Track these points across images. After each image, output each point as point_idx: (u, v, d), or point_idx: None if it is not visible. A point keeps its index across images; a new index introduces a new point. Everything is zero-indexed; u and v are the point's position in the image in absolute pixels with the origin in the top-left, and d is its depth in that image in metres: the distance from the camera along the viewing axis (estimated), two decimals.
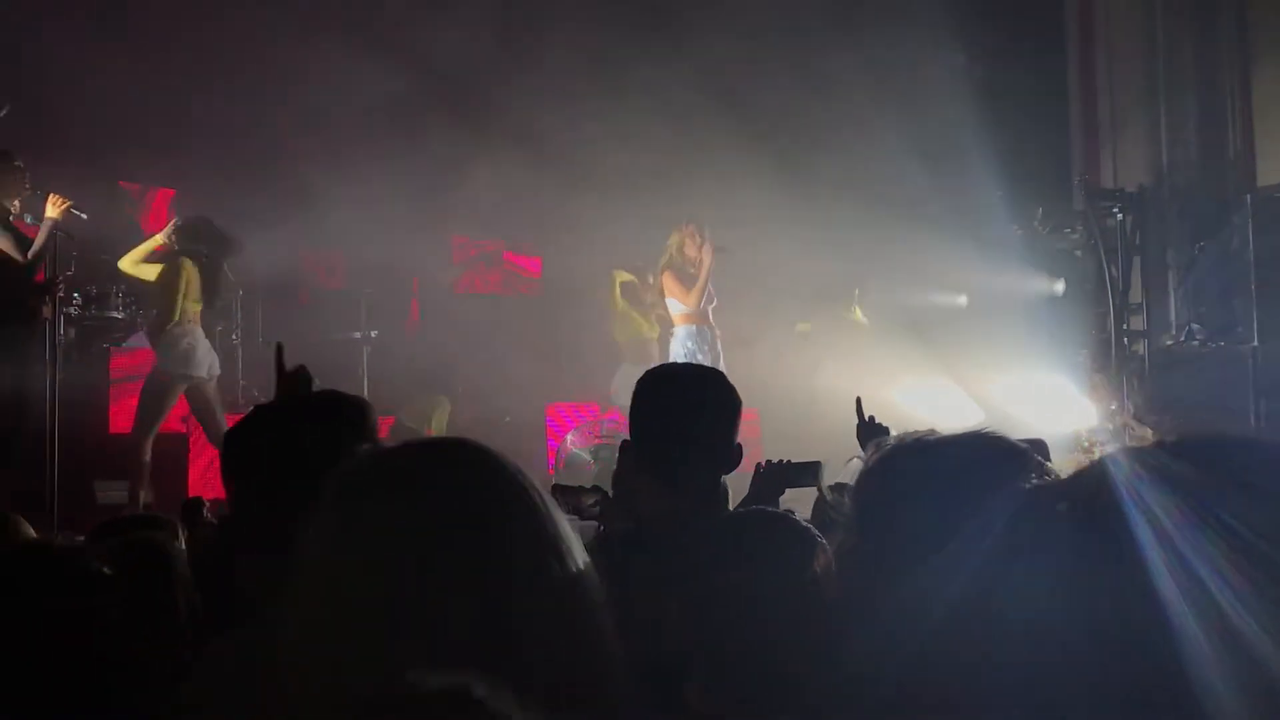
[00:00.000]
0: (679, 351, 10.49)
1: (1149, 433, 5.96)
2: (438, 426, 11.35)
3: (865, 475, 1.78)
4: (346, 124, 11.81)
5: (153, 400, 9.36)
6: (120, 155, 11.93)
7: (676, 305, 10.60)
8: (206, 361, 9.51)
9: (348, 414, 2.56)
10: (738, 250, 10.69)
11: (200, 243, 9.61)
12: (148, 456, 9.30)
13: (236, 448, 2.54)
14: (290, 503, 2.36)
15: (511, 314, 13.27)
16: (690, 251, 10.55)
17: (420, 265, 12.37)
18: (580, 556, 1.59)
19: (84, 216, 9.15)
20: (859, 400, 4.77)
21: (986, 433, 1.79)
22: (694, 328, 10.52)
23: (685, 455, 3.26)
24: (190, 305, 9.45)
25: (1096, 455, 1.62)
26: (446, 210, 12.12)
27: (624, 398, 10.67)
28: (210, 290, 9.60)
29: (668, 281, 10.62)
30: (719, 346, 10.63)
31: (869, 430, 4.70)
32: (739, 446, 3.39)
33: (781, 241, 11.86)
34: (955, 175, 12.21)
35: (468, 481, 1.59)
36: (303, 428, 2.51)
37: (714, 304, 10.64)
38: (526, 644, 1.48)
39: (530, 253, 14.15)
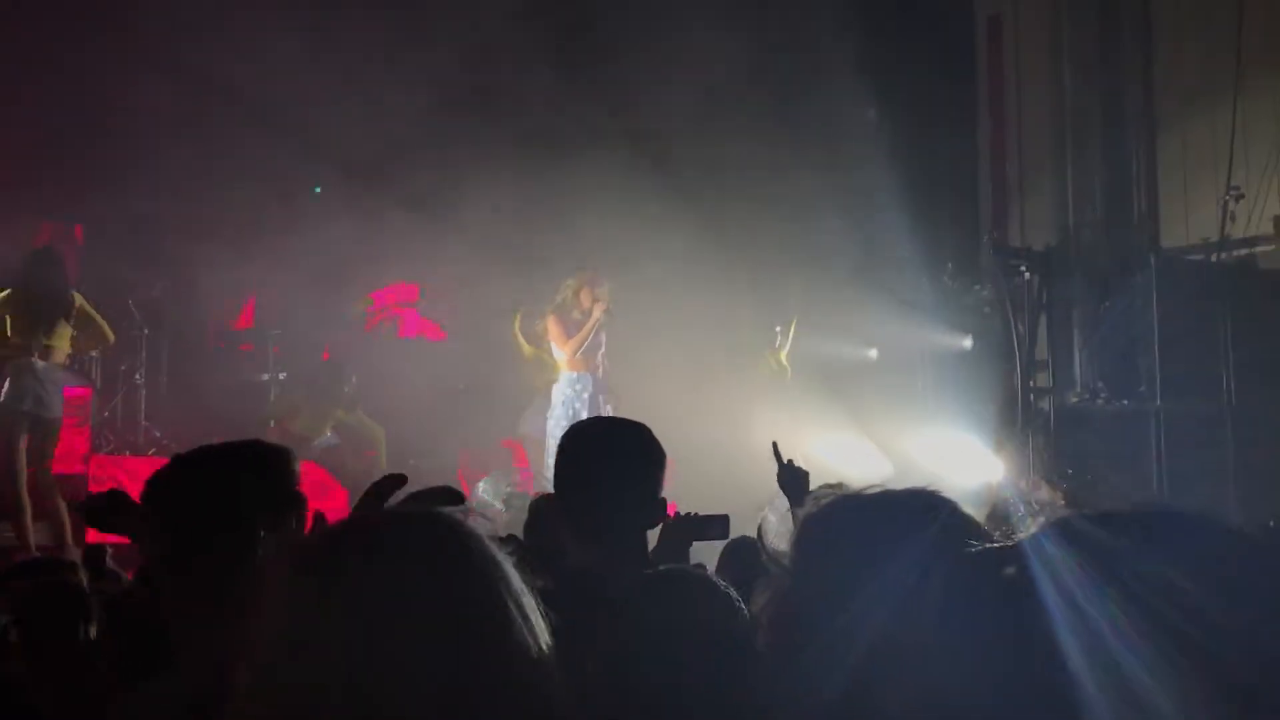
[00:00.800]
0: (558, 398, 10.52)
1: (1058, 495, 6.04)
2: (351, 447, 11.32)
3: (807, 523, 1.77)
4: (249, 178, 11.67)
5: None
6: (33, 188, 11.76)
7: (558, 351, 10.62)
8: (31, 396, 9.16)
9: (272, 463, 2.54)
10: (626, 317, 10.74)
11: (24, 273, 9.32)
12: (24, 497, 9.02)
13: (162, 495, 2.50)
14: (220, 552, 2.34)
15: (422, 357, 13.16)
16: (584, 300, 10.57)
17: (330, 306, 12.24)
18: (543, 632, 1.57)
19: None
20: (775, 445, 4.78)
21: (924, 490, 1.79)
22: (574, 374, 10.53)
23: (609, 510, 3.25)
24: (14, 338, 9.16)
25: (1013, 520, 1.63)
26: (356, 256, 12.02)
27: (527, 427, 10.56)
28: (32, 322, 9.26)
29: (551, 326, 10.62)
30: (600, 395, 10.62)
31: (790, 474, 4.72)
32: (663, 500, 3.38)
33: (696, 286, 11.90)
34: (868, 228, 12.36)
35: (446, 556, 1.56)
36: (231, 476, 2.49)
37: (601, 350, 10.66)
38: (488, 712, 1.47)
39: (438, 297, 14.06)
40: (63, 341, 9.23)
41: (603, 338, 10.64)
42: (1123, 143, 11.86)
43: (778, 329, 12.76)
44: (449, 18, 11.83)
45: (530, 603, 1.59)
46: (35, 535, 9.03)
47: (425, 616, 1.50)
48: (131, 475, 10.08)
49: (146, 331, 11.49)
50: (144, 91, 10.78)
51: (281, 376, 11.99)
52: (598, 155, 11.93)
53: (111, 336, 9.74)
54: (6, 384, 8.96)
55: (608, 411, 10.31)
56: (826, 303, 12.45)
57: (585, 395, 10.49)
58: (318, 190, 12.68)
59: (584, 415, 10.28)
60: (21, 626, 3.29)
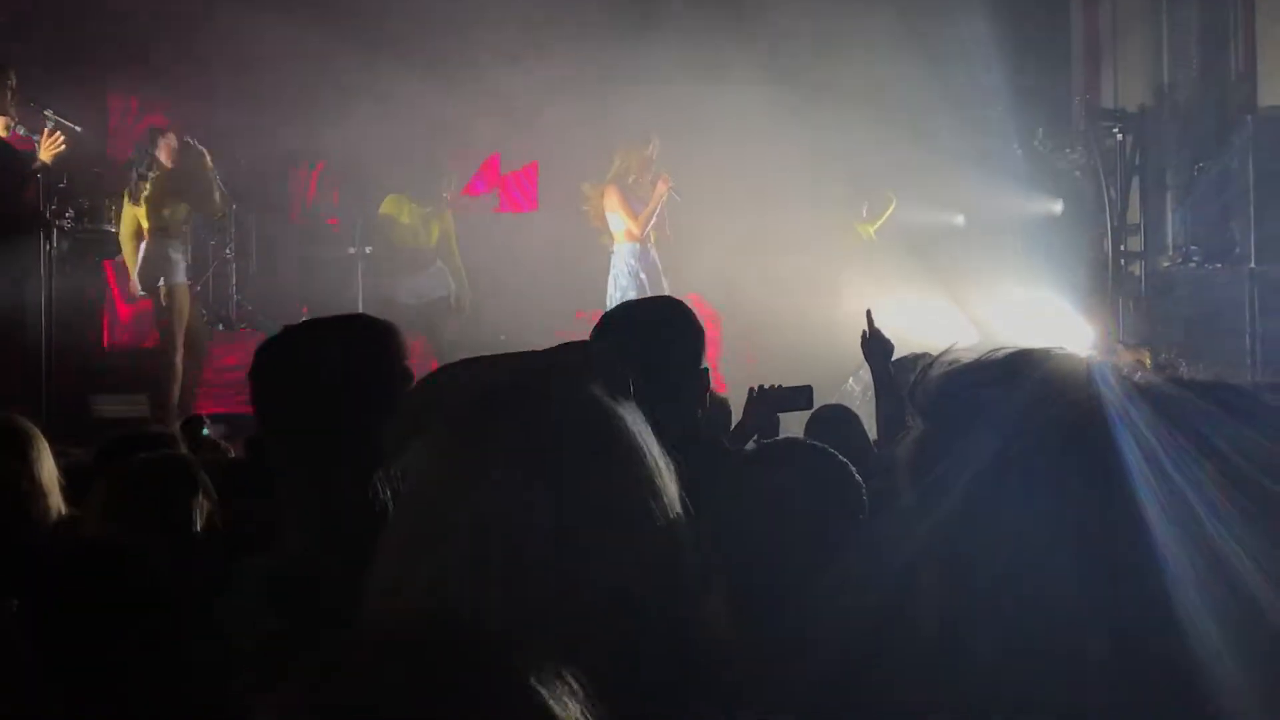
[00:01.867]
0: (622, 269, 10.44)
1: (1145, 356, 5.97)
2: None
3: (976, 376, 1.71)
4: (339, 40, 11.66)
5: None
6: (109, 66, 11.87)
7: (618, 222, 10.50)
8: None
9: (380, 336, 2.56)
10: (702, 186, 10.66)
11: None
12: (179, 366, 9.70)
13: (270, 367, 2.53)
14: (327, 426, 2.37)
15: (509, 229, 13.17)
16: (638, 170, 10.46)
17: (416, 179, 12.22)
18: (675, 497, 1.56)
19: (77, 129, 9.10)
20: (869, 312, 4.75)
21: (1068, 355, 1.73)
22: (637, 246, 10.44)
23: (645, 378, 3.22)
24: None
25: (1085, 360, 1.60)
26: (438, 123, 11.98)
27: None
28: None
29: (612, 197, 10.48)
30: (659, 266, 10.57)
31: (875, 344, 4.70)
32: (705, 370, 3.32)
33: (783, 147, 11.75)
34: (957, 91, 12.11)
35: (592, 416, 1.55)
36: (338, 348, 2.50)
37: (659, 221, 10.57)
38: (630, 587, 1.47)
39: (524, 164, 13.99)
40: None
41: (665, 214, 10.57)
42: None
43: (865, 204, 12.58)
44: None
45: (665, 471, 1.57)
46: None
47: (581, 473, 1.49)
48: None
49: (235, 206, 11.58)
50: None
51: (368, 250, 12.06)
52: (677, 18, 11.77)
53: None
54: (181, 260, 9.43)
55: (666, 284, 10.28)
56: (913, 168, 12.26)
57: (648, 267, 10.42)
58: None
59: (648, 287, 10.21)
60: (133, 501, 3.37)
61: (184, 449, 4.70)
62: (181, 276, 9.84)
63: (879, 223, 12.61)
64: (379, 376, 2.44)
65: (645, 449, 1.55)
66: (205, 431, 6.43)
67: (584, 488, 1.49)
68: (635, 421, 1.57)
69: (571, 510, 1.46)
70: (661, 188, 10.36)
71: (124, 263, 10.14)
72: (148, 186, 9.72)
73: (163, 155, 9.86)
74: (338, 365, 2.45)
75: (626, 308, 3.80)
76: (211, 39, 11.63)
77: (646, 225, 10.40)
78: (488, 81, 11.87)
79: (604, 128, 11.29)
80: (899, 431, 1.78)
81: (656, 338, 3.20)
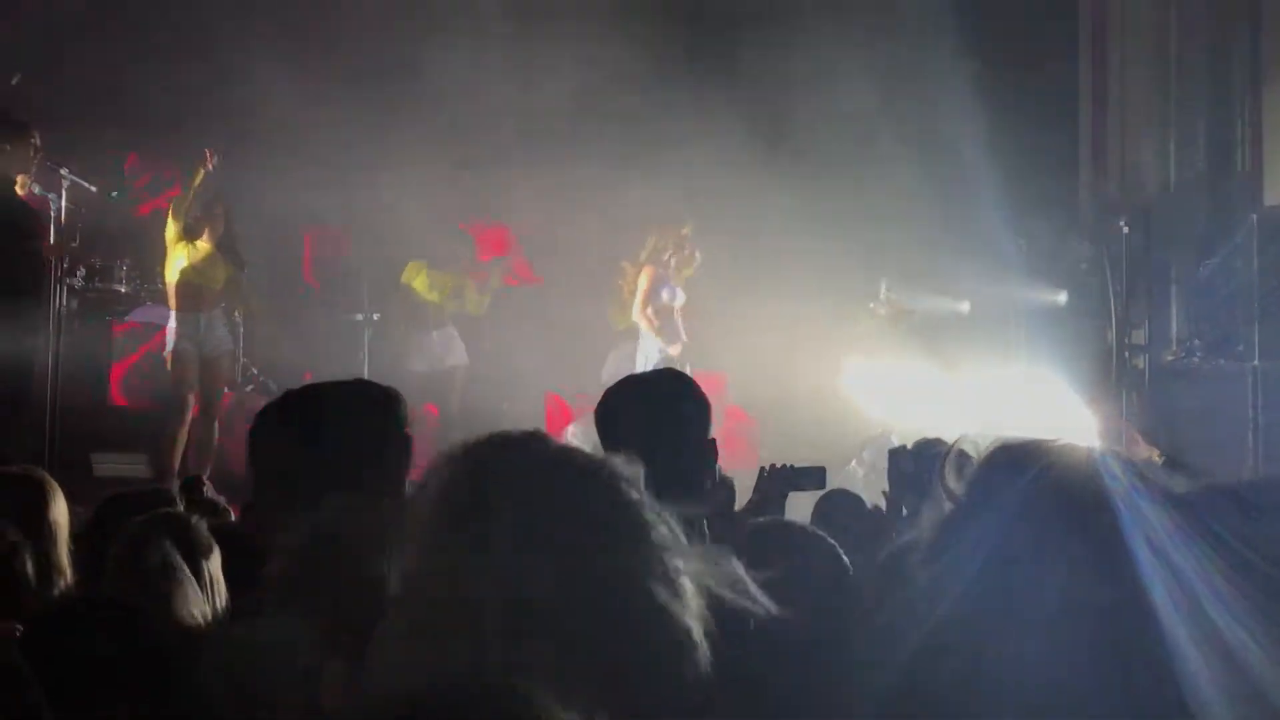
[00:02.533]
0: (652, 346, 10.61)
1: (1154, 452, 5.97)
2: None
3: (988, 464, 1.74)
4: (354, 105, 11.78)
5: None
6: (129, 128, 11.98)
7: (639, 306, 10.71)
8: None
9: (380, 403, 2.55)
10: (717, 268, 10.78)
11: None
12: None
13: (269, 430, 2.52)
14: (325, 491, 2.35)
15: (513, 298, 13.22)
16: (672, 252, 10.63)
17: (430, 245, 12.27)
18: (687, 582, 1.57)
19: (93, 189, 9.18)
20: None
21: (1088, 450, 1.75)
22: (660, 326, 10.63)
23: (662, 462, 3.22)
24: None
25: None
26: (450, 190, 12.08)
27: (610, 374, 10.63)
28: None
29: (646, 279, 10.73)
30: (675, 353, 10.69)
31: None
32: (713, 441, 3.33)
33: (789, 235, 11.85)
34: (962, 180, 12.20)
35: (607, 496, 1.57)
36: (336, 415, 2.49)
37: (680, 301, 10.71)
38: (631, 663, 1.48)
39: (532, 236, 14.07)
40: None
41: (679, 291, 10.71)
42: (1228, 95, 11.61)
43: (884, 283, 12.62)
44: None
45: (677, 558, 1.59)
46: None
47: (581, 534, 1.51)
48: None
49: (245, 270, 11.63)
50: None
51: (375, 317, 12.10)
52: (693, 104, 11.88)
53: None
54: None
55: (686, 366, 10.40)
56: (919, 254, 12.33)
57: (666, 348, 10.57)
58: None
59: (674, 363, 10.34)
60: (135, 558, 3.37)
61: (184, 508, 4.68)
62: (182, 343, 9.84)
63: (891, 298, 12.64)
64: (377, 443, 2.43)
65: (651, 525, 1.56)
66: (206, 493, 6.41)
67: (584, 562, 1.50)
68: (643, 499, 1.59)
69: (570, 583, 1.48)
70: (686, 269, 10.56)
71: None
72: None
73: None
74: (337, 430, 2.43)
75: (636, 381, 3.81)
76: (228, 102, 11.76)
77: (645, 308, 10.57)
78: (502, 153, 11.99)
79: (618, 207, 11.41)
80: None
81: (666, 409, 3.21)
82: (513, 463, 1.57)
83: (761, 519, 3.16)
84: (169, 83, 11.69)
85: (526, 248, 13.89)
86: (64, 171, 9.14)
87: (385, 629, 1.53)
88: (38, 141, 8.76)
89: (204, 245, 9.85)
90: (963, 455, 1.69)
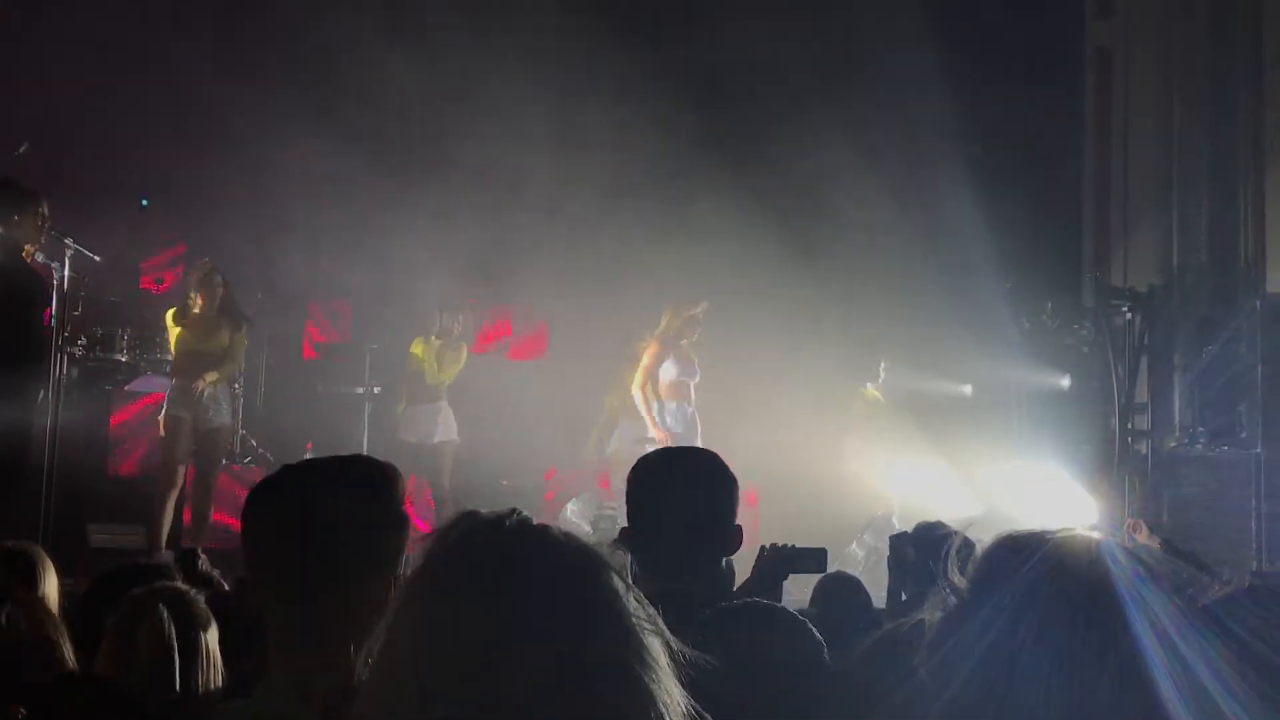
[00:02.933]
0: (639, 428, 10.59)
1: (1155, 540, 5.96)
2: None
3: (994, 553, 1.73)
4: (354, 177, 11.84)
5: None
6: (135, 207, 12.09)
7: (660, 376, 10.69)
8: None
9: (378, 481, 2.52)
10: (718, 350, 10.80)
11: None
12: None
13: (262, 510, 2.50)
14: (320, 570, 2.33)
15: (515, 376, 13.23)
16: (684, 331, 10.66)
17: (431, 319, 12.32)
18: (661, 662, 1.55)
19: (96, 258, 9.19)
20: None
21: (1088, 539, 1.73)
22: (671, 403, 10.59)
23: (685, 540, 3.21)
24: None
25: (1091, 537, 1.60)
26: (455, 270, 12.12)
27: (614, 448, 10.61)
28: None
29: (652, 354, 10.72)
30: (697, 421, 10.67)
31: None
32: (739, 527, 3.34)
33: (793, 320, 11.88)
34: (966, 265, 12.26)
35: (576, 580, 1.55)
36: (334, 494, 2.46)
37: (696, 379, 10.72)
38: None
39: (536, 316, 14.13)
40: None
41: (697, 368, 10.71)
42: (1231, 183, 11.66)
43: (882, 364, 12.63)
44: (557, 53, 11.98)
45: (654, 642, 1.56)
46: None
47: (556, 624, 1.49)
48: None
49: (247, 343, 11.64)
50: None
51: (376, 390, 12.10)
52: (696, 190, 11.96)
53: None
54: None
55: (698, 441, 10.37)
56: (922, 338, 12.36)
57: (681, 421, 10.56)
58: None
59: (683, 439, 10.33)
60: (132, 633, 3.33)
61: (180, 581, 4.65)
62: (177, 411, 9.81)
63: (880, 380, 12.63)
64: (374, 522, 2.41)
65: (632, 616, 1.54)
66: (201, 566, 6.36)
67: (560, 652, 1.48)
68: (626, 589, 1.56)
69: (544, 673, 1.46)
70: (692, 350, 10.58)
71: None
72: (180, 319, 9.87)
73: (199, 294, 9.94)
74: (332, 509, 2.41)
75: (671, 458, 3.78)
76: (235, 174, 11.84)
77: (644, 382, 10.57)
78: (514, 232, 12.05)
79: (630, 290, 11.49)
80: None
81: (700, 490, 3.22)
82: (486, 546, 1.54)
83: (737, 601, 3.11)
84: (176, 154, 11.78)
85: (531, 324, 13.94)
86: (68, 240, 9.15)
87: (357, 708, 1.51)
88: (45, 211, 8.78)
89: (205, 314, 9.85)
90: (965, 546, 1.67)
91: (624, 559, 1.60)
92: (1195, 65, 11.96)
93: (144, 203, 12.40)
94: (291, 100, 11.35)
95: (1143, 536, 6.27)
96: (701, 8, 12.69)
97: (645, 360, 10.66)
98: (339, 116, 11.65)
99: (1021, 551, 1.55)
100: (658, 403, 10.60)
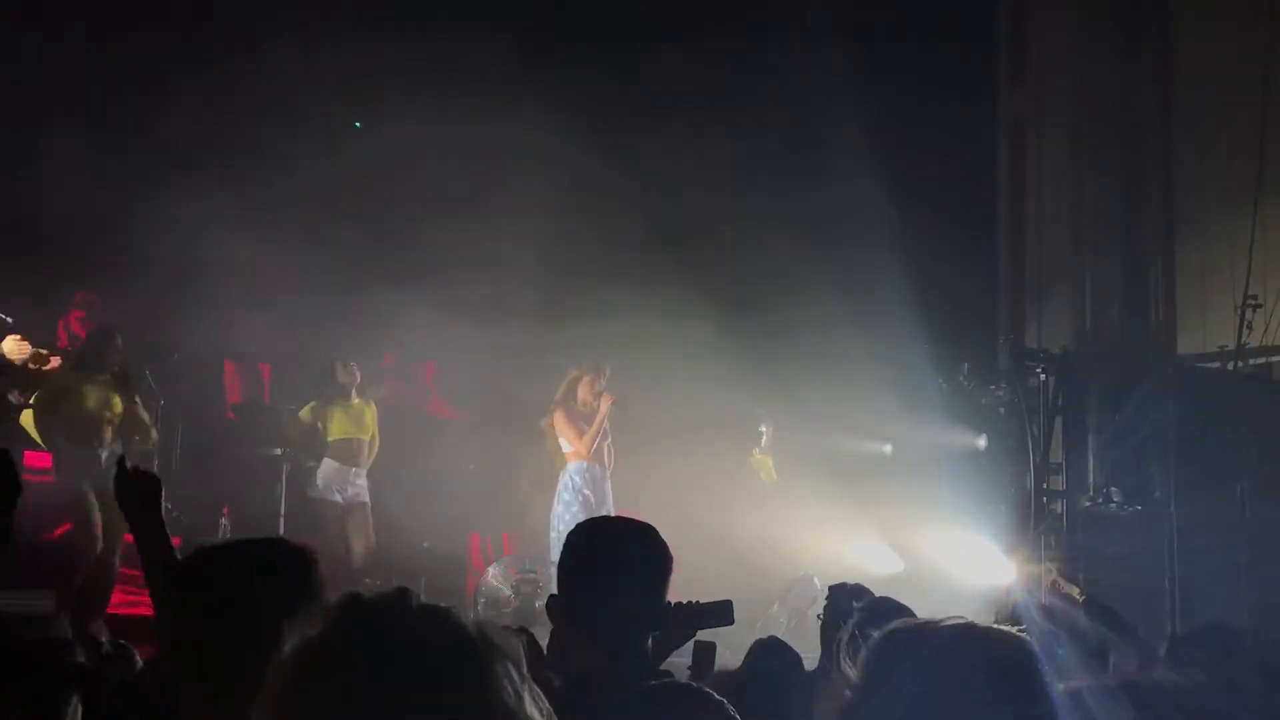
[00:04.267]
0: (568, 485, 10.55)
1: (1075, 590, 6.03)
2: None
3: (879, 648, 1.74)
4: (274, 238, 11.75)
5: None
6: (51, 259, 11.92)
7: (565, 443, 10.66)
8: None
9: (294, 566, 2.51)
10: (633, 404, 10.75)
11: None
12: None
13: (179, 589, 2.47)
14: (233, 654, 2.30)
15: (433, 435, 13.14)
16: (585, 395, 10.64)
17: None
18: None
19: (8, 320, 9.00)
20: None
21: (1007, 635, 1.75)
22: (584, 464, 10.57)
23: (615, 614, 3.20)
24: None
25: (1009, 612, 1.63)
26: (373, 330, 12.06)
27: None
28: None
29: (559, 420, 10.67)
30: (607, 485, 10.66)
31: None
32: (669, 604, 3.34)
33: (704, 380, 11.92)
34: (884, 325, 12.39)
35: (460, 660, 1.53)
36: (250, 578, 2.44)
37: (607, 440, 10.70)
38: None
39: (458, 376, 14.04)
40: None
41: (608, 428, 10.69)
42: (1141, 249, 11.92)
43: (762, 428, 12.65)
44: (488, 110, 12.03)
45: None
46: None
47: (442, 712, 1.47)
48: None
49: (163, 403, 11.46)
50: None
51: (277, 452, 11.94)
52: (615, 248, 12.02)
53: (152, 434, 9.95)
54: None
55: (610, 503, 10.36)
56: (841, 399, 12.44)
57: (593, 484, 10.53)
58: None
59: (594, 504, 10.31)
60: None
61: (84, 656, 4.53)
62: (79, 481, 9.49)
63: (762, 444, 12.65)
64: (292, 608, 2.39)
65: (521, 709, 1.53)
66: (105, 641, 6.21)
67: None
68: (516, 678, 1.55)
69: None
70: (605, 406, 10.52)
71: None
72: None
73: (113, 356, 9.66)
74: (248, 597, 2.39)
75: (607, 529, 3.73)
76: (153, 235, 11.70)
77: (592, 443, 10.54)
78: (431, 290, 12.01)
79: (550, 355, 11.49)
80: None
81: (634, 567, 3.22)
82: (375, 630, 1.53)
83: (656, 683, 3.10)
84: (88, 217, 11.66)
85: (446, 387, 13.89)
86: None
87: None
88: None
89: (99, 377, 9.53)
90: (854, 639, 1.69)
91: (518, 648, 1.57)
92: (1106, 134, 12.23)
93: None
94: (223, 168, 11.33)
95: (1064, 587, 6.33)
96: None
97: (561, 427, 10.62)
98: (255, 182, 11.62)
99: (910, 645, 1.56)
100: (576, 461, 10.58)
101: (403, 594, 1.58)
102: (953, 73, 13.54)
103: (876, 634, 1.79)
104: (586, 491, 10.46)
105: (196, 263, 11.50)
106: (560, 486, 10.62)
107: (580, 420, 10.62)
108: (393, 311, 12.01)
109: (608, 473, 10.72)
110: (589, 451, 10.56)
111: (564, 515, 10.32)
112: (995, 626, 1.71)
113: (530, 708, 1.52)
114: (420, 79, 11.84)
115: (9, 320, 9.01)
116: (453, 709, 1.47)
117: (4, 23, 11.62)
